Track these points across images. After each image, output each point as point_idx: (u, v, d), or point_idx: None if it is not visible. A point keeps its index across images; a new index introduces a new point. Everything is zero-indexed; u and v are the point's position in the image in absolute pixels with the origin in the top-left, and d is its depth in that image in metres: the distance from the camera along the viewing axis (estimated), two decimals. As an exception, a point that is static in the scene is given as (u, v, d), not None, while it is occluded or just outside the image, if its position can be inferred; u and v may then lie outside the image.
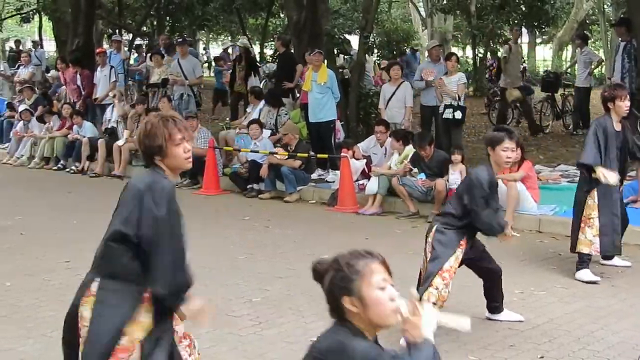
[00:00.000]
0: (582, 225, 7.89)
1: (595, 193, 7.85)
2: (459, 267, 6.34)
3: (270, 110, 14.76)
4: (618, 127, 7.94)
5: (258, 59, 26.78)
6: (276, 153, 12.81)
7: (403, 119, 13.30)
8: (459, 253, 6.24)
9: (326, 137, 13.82)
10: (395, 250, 8.55)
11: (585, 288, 7.71)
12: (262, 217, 11.25)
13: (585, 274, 7.89)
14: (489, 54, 27.94)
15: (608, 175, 7.58)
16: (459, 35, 38.08)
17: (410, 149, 11.70)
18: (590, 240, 7.84)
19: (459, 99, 13.06)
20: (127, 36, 29.19)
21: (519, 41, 18.63)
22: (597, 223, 7.81)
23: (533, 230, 10.11)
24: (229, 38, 45.34)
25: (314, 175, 13.13)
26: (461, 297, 6.90)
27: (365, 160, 12.48)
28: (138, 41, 29.27)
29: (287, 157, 12.68)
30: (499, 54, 21.59)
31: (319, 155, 13.12)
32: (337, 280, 2.97)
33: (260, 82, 17.71)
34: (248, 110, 15.51)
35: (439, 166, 11.18)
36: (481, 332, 6.51)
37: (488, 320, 6.72)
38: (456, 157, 10.99)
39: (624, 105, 7.90)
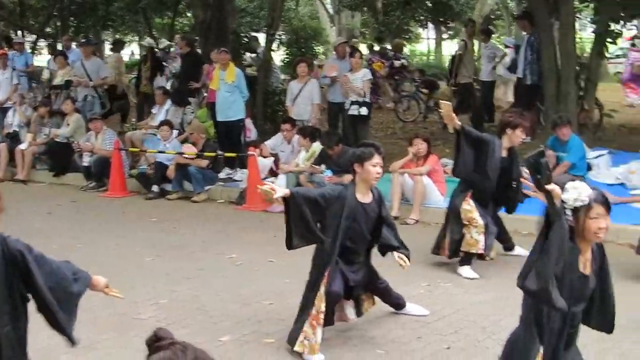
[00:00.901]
0: (467, 225, 7.98)
1: (469, 199, 8.01)
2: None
3: (176, 110, 14.62)
4: (504, 153, 7.97)
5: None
6: (183, 153, 12.66)
7: (310, 116, 13.31)
8: (322, 290, 5.94)
9: (235, 136, 13.71)
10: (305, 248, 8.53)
11: (491, 279, 7.84)
12: (170, 218, 11.12)
13: (467, 270, 8.05)
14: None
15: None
16: (367, 32, 38.30)
17: (317, 146, 11.74)
18: (476, 239, 7.96)
19: (365, 95, 13.13)
20: (30, 37, 28.55)
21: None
22: (481, 222, 7.94)
23: (439, 223, 10.18)
24: (137, 38, 44.77)
25: (222, 175, 13.01)
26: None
27: (273, 158, 12.46)
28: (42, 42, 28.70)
29: (194, 156, 12.56)
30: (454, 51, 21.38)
31: (226, 154, 13.00)
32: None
33: (167, 82, 17.48)
34: (153, 111, 15.27)
35: (346, 162, 11.21)
36: (389, 325, 6.57)
37: (395, 315, 6.76)
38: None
39: (521, 136, 8.00)
